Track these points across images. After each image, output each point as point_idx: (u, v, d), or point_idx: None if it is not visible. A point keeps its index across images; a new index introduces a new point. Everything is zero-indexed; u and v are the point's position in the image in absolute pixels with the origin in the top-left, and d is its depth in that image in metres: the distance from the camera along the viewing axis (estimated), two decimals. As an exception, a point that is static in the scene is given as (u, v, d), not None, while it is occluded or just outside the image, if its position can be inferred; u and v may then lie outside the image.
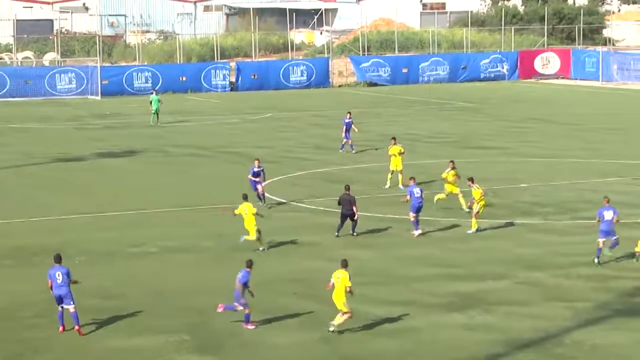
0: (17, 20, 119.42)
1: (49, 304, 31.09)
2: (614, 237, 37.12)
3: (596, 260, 37.10)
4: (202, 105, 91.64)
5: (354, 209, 40.82)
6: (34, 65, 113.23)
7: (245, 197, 39.41)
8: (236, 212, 39.05)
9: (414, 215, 41.23)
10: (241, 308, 30.04)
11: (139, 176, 56.08)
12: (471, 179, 42.51)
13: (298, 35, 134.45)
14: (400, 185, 50.49)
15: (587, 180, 54.17)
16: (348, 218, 41.17)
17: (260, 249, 39.01)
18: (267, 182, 53.18)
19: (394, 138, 52.28)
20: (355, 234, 41.51)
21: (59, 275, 29.52)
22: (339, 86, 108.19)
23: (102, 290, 34.26)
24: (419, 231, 41.34)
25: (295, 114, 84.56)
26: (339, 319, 29.44)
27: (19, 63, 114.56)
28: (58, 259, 29.91)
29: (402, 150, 51.63)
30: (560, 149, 64.90)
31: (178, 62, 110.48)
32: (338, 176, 55.21)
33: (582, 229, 43.32)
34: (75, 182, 53.65)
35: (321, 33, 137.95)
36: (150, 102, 77.67)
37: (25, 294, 33.59)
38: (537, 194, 49.69)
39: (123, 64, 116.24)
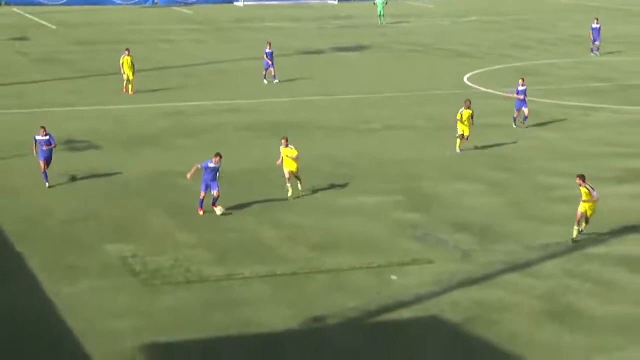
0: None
1: (300, 170, 31.94)
2: None
3: None
4: (419, 9, 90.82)
5: None
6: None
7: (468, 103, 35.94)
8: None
9: None
10: None
11: (366, 67, 56.41)
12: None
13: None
14: None
15: None
16: None
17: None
18: (474, 72, 52.89)
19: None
20: None
21: (208, 166, 28.48)
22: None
23: (335, 158, 35.04)
24: None
25: (497, 17, 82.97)
26: None
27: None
28: (216, 155, 28.38)
29: None
30: None
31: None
32: (530, 69, 54.33)
33: None
34: (315, 71, 54.38)
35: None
36: (375, 4, 77.91)
37: (272, 160, 34.67)
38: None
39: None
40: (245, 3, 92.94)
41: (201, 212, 28.50)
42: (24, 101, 45.28)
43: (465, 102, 36.19)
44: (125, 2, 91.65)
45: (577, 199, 29.83)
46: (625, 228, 27.39)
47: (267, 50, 50.06)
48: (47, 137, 31.31)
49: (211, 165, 28.37)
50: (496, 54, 60.81)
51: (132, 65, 46.67)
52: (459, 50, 62.63)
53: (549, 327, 21.01)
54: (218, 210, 28.34)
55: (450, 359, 19.84)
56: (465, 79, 51.00)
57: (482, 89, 48.52)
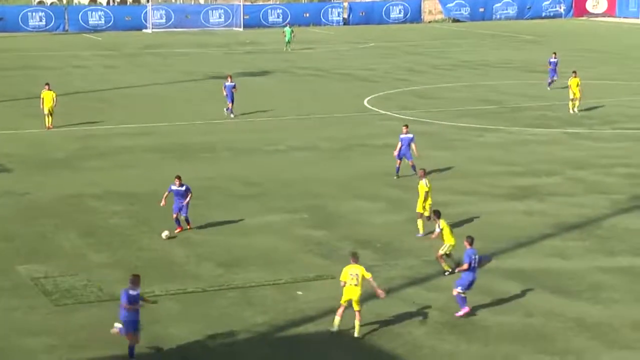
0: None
1: (205, 189, 31.69)
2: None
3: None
4: (320, 36, 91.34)
5: None
6: (192, 3, 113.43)
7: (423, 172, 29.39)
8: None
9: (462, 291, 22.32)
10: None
11: (271, 91, 56.33)
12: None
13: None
14: (575, 109, 47.44)
15: (627, 98, 53.11)
16: None
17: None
18: (373, 95, 53.23)
19: (574, 72, 48.54)
20: None
21: (178, 189, 27.84)
22: (429, 22, 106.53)
23: (242, 178, 34.80)
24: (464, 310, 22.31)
25: (394, 44, 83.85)
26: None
27: (182, 1, 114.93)
28: (179, 180, 27.77)
29: (579, 82, 47.65)
30: (607, 73, 63.41)
31: (303, 1, 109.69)
32: (425, 93, 54.90)
33: (620, 137, 42.64)
34: (223, 95, 54.06)
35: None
36: (284, 33, 77.97)
37: (186, 181, 34.24)
38: (585, 109, 48.78)
39: (261, 2, 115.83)
40: (154, 30, 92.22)
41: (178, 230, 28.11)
42: (-64, 125, 44.02)
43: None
44: (36, 29, 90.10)
45: (469, 215, 30.22)
46: (515, 243, 27.73)
47: (228, 83, 46.57)
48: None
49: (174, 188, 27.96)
50: (393, 78, 61.35)
51: (54, 100, 42.90)
52: (359, 74, 63.02)
53: (448, 338, 21.09)
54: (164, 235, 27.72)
55: (355, 371, 19.76)
56: (365, 102, 51.30)
57: (381, 111, 48.83)
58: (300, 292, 23.69)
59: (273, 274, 24.80)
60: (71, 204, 31.33)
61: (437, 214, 25.07)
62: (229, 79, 47.19)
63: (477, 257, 22.27)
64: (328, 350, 20.60)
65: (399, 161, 34.57)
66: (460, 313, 22.16)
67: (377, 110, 49.22)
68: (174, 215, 27.98)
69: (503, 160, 37.95)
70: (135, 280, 20.28)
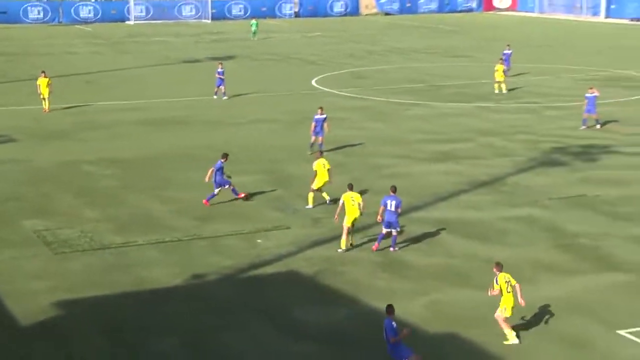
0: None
1: (183, 156, 31.33)
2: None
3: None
4: (276, 27, 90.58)
5: None
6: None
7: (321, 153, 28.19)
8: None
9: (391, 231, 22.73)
10: None
11: (235, 73, 55.75)
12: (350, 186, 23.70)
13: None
14: (504, 90, 46.47)
15: (528, 79, 53.41)
16: None
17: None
18: (320, 76, 52.96)
19: (501, 59, 48.50)
20: None
21: (216, 169, 26.90)
22: (366, 15, 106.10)
23: (212, 146, 34.40)
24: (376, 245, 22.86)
25: (337, 33, 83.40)
26: None
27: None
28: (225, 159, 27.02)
29: (504, 68, 47.39)
30: (512, 58, 63.50)
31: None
32: (363, 74, 54.78)
33: (522, 110, 42.95)
34: (195, 76, 53.53)
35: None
36: (251, 25, 77.35)
37: (166, 149, 33.91)
38: (494, 87, 49.03)
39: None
40: (135, 22, 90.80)
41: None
42: (-49, 103, 43.01)
43: None
44: (35, 21, 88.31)
45: (399, 175, 30.30)
46: (437, 197, 27.92)
47: (219, 69, 44.86)
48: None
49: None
50: (336, 62, 61.11)
51: (49, 85, 40.82)
52: (308, 59, 62.67)
53: (383, 276, 21.22)
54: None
55: (307, 303, 19.80)
56: (313, 82, 51.07)
57: (327, 89, 48.67)
58: (259, 241, 23.65)
59: (238, 226, 24.71)
60: (69, 169, 30.90)
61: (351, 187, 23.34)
62: (220, 66, 45.61)
63: (393, 202, 22.43)
64: (285, 289, 20.63)
65: (313, 137, 32.88)
66: (374, 247, 22.75)
67: (323, 88, 49.04)
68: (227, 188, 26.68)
69: (427, 130, 38.08)
70: (391, 310, 15.81)
